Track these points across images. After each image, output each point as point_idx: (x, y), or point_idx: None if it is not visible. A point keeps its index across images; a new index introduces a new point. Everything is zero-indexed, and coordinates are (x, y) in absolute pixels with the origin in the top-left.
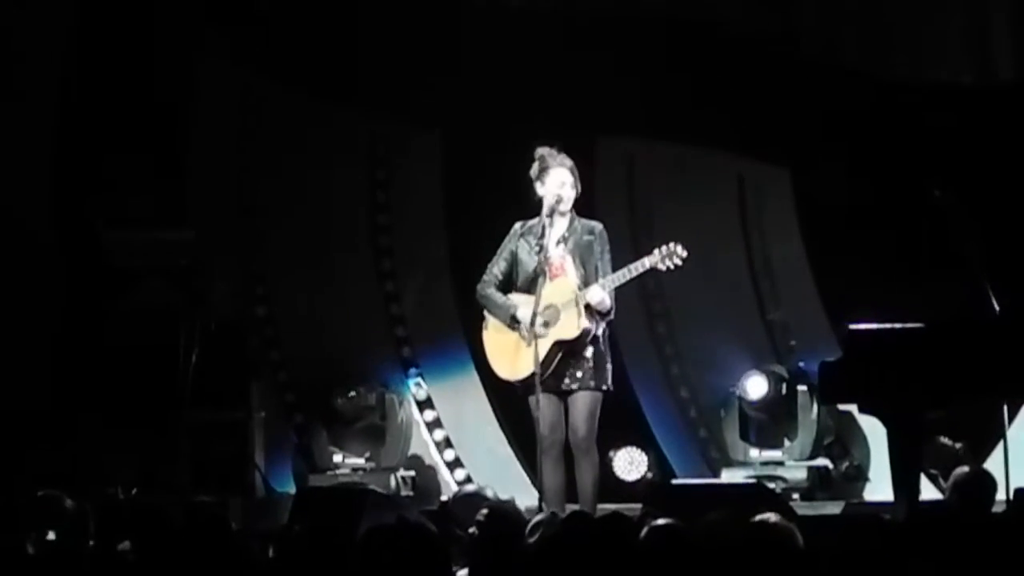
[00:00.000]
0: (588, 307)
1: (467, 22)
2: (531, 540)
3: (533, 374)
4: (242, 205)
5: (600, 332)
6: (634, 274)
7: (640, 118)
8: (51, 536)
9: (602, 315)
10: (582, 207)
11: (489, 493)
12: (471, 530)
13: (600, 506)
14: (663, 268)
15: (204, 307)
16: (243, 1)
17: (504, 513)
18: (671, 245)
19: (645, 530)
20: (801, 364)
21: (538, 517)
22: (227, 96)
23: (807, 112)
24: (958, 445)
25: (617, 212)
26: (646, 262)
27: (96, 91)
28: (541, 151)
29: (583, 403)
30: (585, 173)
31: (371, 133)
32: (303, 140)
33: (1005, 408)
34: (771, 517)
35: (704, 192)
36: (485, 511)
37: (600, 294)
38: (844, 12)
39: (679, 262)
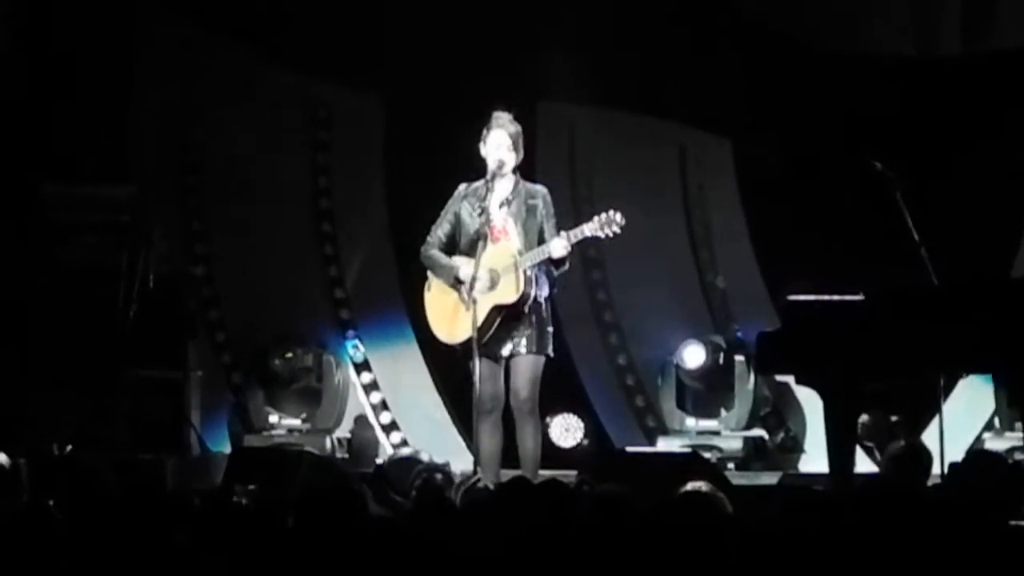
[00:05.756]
0: (531, 271)
1: None
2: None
3: (471, 338)
4: (183, 163)
5: (543, 297)
6: (573, 240)
7: (581, 85)
8: None
9: (556, 265)
10: (522, 173)
11: (424, 457)
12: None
13: None
14: (601, 235)
15: (143, 264)
16: None
17: (435, 485)
18: (610, 213)
19: (585, 499)
20: (739, 334)
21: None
22: (170, 53)
23: (749, 82)
24: (894, 418)
25: (557, 179)
26: (585, 229)
27: (39, 45)
28: (493, 113)
29: (525, 367)
30: (525, 139)
31: (313, 95)
32: (245, 100)
33: (941, 382)
34: (702, 486)
35: (645, 161)
36: (419, 483)
37: (564, 246)
38: None
39: (617, 230)
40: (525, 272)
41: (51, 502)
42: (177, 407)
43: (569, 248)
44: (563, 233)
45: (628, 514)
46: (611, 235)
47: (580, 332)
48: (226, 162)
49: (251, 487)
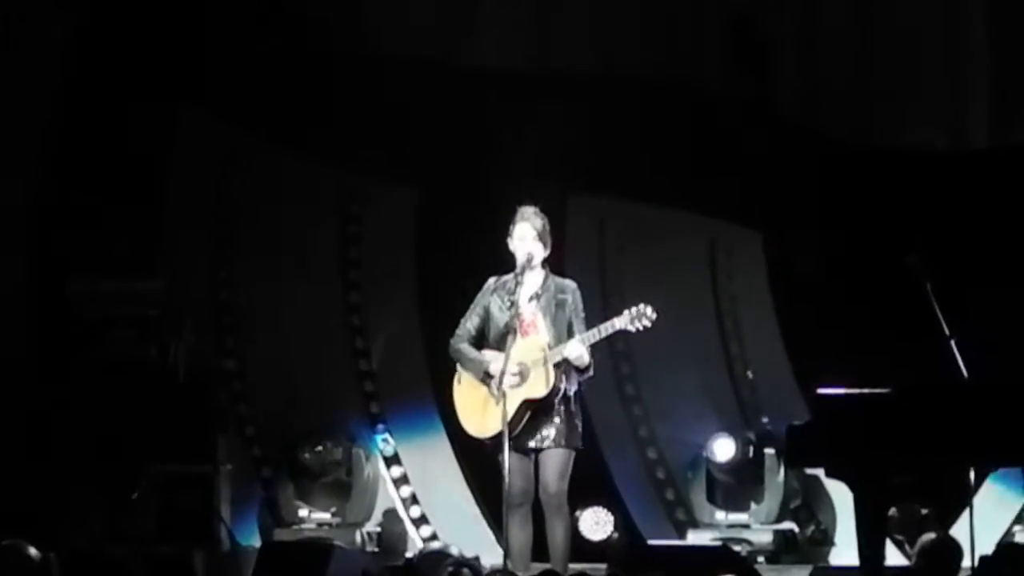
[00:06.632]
0: (560, 365)
1: (444, 81)
2: None
3: (501, 432)
4: (214, 257)
5: (572, 391)
6: (603, 335)
7: (612, 178)
8: None
9: (580, 371)
10: (552, 266)
11: (454, 551)
12: None
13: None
14: (632, 329)
15: (173, 358)
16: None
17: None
18: (641, 306)
19: None
20: (768, 427)
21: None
22: (204, 148)
23: (780, 175)
24: (924, 511)
25: (587, 272)
26: (616, 323)
27: (75, 141)
28: (518, 208)
29: (554, 461)
30: (555, 232)
31: (344, 188)
32: (278, 194)
33: (971, 475)
34: None
35: (675, 253)
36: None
37: (579, 349)
38: (820, 76)
39: (648, 324)
40: (555, 366)
41: None
42: (207, 501)
43: (585, 350)
44: (579, 336)
45: None
46: (641, 328)
47: (610, 425)
48: (257, 256)
49: None
